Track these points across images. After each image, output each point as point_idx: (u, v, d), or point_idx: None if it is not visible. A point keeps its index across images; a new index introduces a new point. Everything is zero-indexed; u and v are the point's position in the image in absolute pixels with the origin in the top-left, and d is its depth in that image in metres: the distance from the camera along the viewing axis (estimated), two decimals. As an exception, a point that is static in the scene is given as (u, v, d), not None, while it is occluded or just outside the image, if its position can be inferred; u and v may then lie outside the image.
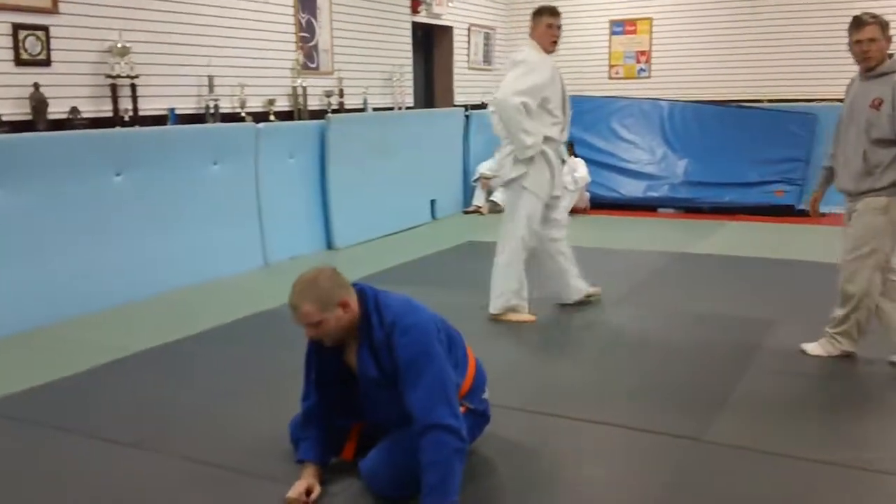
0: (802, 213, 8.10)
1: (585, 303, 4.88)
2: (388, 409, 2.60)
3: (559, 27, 4.63)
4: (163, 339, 4.33)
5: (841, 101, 4.03)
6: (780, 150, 8.76)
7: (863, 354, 3.92)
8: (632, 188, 9.11)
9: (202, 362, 4.02)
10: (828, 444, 2.96)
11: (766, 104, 9.38)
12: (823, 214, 4.06)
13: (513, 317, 4.61)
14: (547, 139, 4.56)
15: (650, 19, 10.38)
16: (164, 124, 5.98)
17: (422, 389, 2.43)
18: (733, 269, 5.97)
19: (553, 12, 4.63)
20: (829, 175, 4.01)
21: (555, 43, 4.64)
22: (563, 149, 4.81)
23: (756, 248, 6.55)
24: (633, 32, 10.55)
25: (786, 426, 3.14)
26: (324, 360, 2.68)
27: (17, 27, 5.05)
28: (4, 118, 5.00)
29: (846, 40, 3.78)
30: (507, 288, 4.61)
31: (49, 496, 2.68)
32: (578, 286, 4.88)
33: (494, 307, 4.64)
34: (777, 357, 3.97)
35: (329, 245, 6.77)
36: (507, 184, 4.68)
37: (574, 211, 8.63)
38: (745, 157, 8.86)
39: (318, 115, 7.33)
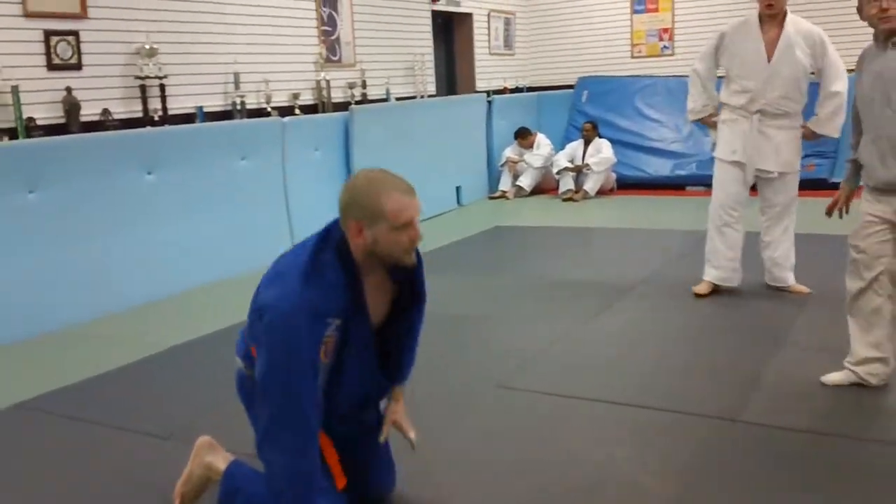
0: (836, 186, 8.03)
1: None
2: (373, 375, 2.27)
3: None
4: (195, 333, 4.42)
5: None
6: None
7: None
8: (659, 167, 9.08)
9: (233, 356, 4.11)
10: (865, 421, 2.98)
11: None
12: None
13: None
14: None
15: (672, -4, 10.31)
16: (193, 122, 6.09)
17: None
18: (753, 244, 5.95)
19: None
20: (857, 168, 3.33)
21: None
22: None
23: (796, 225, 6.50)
24: (655, 10, 10.49)
25: (819, 404, 3.16)
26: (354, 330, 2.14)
27: (48, 33, 5.18)
28: (39, 122, 5.14)
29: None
30: None
31: (88, 487, 2.75)
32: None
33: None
34: (809, 335, 3.98)
35: (358, 235, 6.85)
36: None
37: (601, 192, 8.67)
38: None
39: (342, 107, 7.41)
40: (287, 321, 1.96)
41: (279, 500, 2.04)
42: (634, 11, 10.61)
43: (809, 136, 4.49)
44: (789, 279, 4.61)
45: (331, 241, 2.10)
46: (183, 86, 6.09)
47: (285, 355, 1.97)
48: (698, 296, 4.62)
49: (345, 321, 2.07)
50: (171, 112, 5.93)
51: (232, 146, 5.87)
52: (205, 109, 6.23)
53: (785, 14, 4.28)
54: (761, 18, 4.31)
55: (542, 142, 9.08)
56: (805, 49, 4.27)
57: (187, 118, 6.11)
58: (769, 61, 4.29)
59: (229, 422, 3.32)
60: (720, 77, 4.67)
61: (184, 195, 5.46)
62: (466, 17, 10.21)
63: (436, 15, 9.57)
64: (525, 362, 3.71)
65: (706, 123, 4.73)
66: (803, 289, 4.56)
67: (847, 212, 3.41)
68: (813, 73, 4.37)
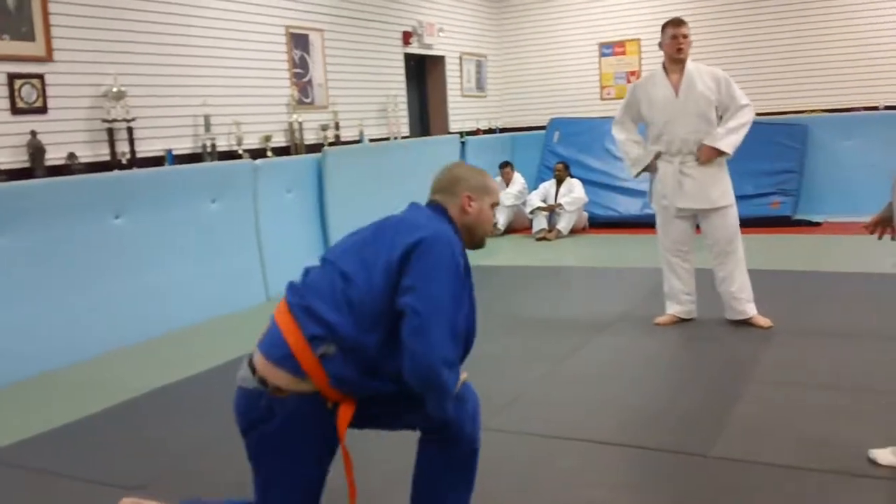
0: (799, 224, 8.16)
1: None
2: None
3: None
4: (168, 378, 4.34)
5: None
6: (773, 162, 8.80)
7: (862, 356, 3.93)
8: (628, 206, 9.14)
9: (209, 402, 4.03)
10: (836, 454, 2.97)
11: (756, 117, 9.45)
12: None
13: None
14: None
15: (638, 40, 10.49)
16: (162, 165, 6.03)
17: None
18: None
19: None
20: None
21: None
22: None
23: (758, 261, 6.56)
24: (623, 53, 10.65)
25: (788, 438, 3.15)
26: None
27: (12, 77, 5.12)
28: (2, 166, 5.06)
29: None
30: None
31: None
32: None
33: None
34: (777, 369, 3.99)
35: (330, 277, 6.79)
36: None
37: (573, 231, 8.71)
38: (740, 170, 8.83)
39: (315, 148, 7.40)
40: (450, 243, 2.14)
41: (443, 389, 2.06)
42: (602, 54, 10.77)
43: (706, 154, 4.59)
44: (749, 311, 4.66)
45: (437, 211, 2.31)
46: (152, 128, 6.05)
47: (453, 270, 2.10)
48: (660, 325, 4.82)
49: (467, 267, 2.22)
50: (139, 155, 5.87)
51: (202, 189, 5.83)
52: (174, 152, 6.18)
53: (686, 59, 4.66)
54: (666, 68, 4.71)
55: (517, 179, 9.15)
56: (709, 84, 4.59)
57: (156, 161, 6.05)
58: (676, 96, 4.62)
59: (204, 468, 3.24)
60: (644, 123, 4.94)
61: (153, 239, 5.39)
62: (439, 60, 10.30)
63: (408, 57, 9.64)
64: (503, 403, 3.67)
65: (651, 170, 4.89)
66: (765, 321, 4.63)
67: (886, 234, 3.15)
68: (717, 108, 4.63)
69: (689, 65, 4.66)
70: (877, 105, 9.32)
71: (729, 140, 4.59)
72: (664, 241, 4.84)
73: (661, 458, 3.05)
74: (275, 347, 2.09)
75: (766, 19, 9.73)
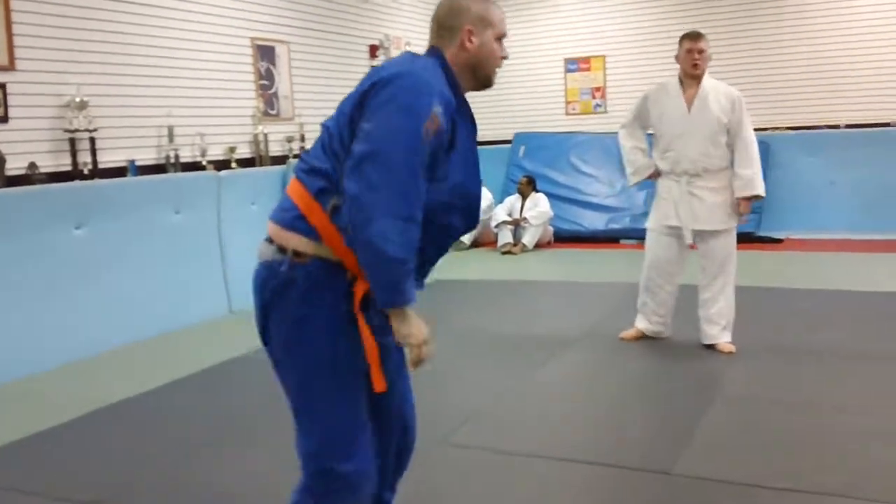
0: (762, 240, 8.27)
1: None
2: None
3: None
4: (129, 391, 4.27)
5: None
6: (736, 178, 8.93)
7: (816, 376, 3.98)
8: (594, 221, 9.22)
9: (169, 414, 3.97)
10: (797, 472, 3.00)
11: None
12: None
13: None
14: None
15: (603, 57, 10.60)
16: (125, 176, 5.95)
17: None
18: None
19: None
20: None
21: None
22: None
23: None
24: (588, 70, 10.75)
25: (749, 456, 3.17)
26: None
27: (-28, 85, 5.03)
28: (-39, 176, 4.95)
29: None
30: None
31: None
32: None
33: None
34: (740, 386, 4.03)
35: (295, 290, 6.73)
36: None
37: (538, 245, 8.75)
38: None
39: (280, 160, 7.36)
40: (416, 83, 1.90)
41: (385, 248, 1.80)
42: (568, 70, 10.86)
43: (745, 208, 4.50)
44: (719, 337, 4.56)
45: (429, 54, 2.09)
46: (115, 139, 5.96)
47: (411, 119, 1.85)
48: (625, 339, 4.78)
49: (451, 116, 2.00)
50: (101, 166, 5.78)
51: (165, 200, 5.75)
52: (137, 163, 6.10)
53: (703, 75, 4.49)
54: (681, 80, 4.53)
55: (483, 194, 9.14)
56: (723, 104, 4.42)
57: (119, 172, 5.96)
58: (689, 112, 4.46)
59: (163, 483, 3.19)
60: (650, 134, 4.79)
61: (114, 250, 5.31)
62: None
63: (374, 71, 9.62)
64: (467, 418, 3.66)
65: (652, 178, 4.79)
66: (729, 348, 4.53)
67: None
68: (728, 132, 4.45)
69: (706, 81, 4.49)
70: (838, 124, 9.52)
71: (758, 182, 4.45)
72: (654, 259, 4.68)
73: (623, 475, 3.05)
74: (285, 212, 2.03)
75: (728, 37, 9.90)
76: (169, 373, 4.53)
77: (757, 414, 3.62)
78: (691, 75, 4.47)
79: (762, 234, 8.44)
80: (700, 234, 4.55)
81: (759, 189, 4.46)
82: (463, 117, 2.08)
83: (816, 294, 5.88)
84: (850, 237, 8.12)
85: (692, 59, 4.43)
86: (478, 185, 2.13)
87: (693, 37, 4.48)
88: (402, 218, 1.82)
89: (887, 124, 9.23)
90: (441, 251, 2.09)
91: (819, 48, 9.61)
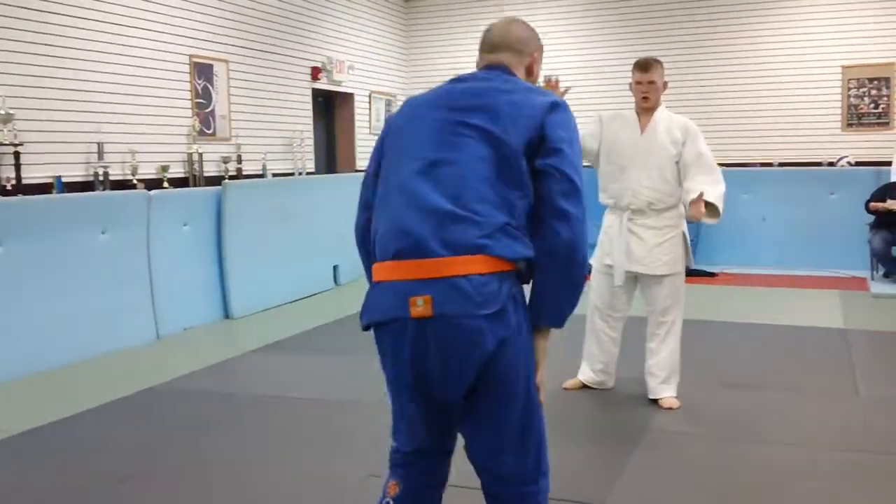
0: (697, 273, 8.37)
1: None
2: None
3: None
4: (42, 420, 4.03)
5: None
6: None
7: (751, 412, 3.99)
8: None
9: (83, 445, 3.76)
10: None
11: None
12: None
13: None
14: None
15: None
16: (50, 193, 5.72)
17: None
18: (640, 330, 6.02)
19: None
20: None
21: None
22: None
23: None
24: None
25: (683, 488, 3.14)
26: None
27: None
28: None
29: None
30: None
31: None
32: None
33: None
34: (672, 419, 4.00)
35: (226, 314, 6.54)
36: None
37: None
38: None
39: (215, 181, 7.18)
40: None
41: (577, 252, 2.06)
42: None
43: (696, 210, 4.00)
44: (660, 392, 4.18)
45: (506, 72, 2.13)
46: (40, 154, 5.74)
47: (577, 135, 2.05)
48: (567, 389, 4.45)
49: None
50: (25, 182, 5.55)
51: (92, 219, 5.53)
52: (64, 179, 5.88)
53: (656, 107, 4.16)
54: (637, 113, 4.20)
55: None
56: (675, 135, 4.08)
57: (44, 188, 5.73)
58: (640, 140, 4.11)
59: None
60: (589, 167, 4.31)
61: (36, 271, 5.07)
62: (348, 97, 10.23)
63: (317, 93, 9.53)
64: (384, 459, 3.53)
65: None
66: (671, 403, 4.15)
67: None
68: (678, 164, 4.10)
69: (659, 112, 4.15)
70: (772, 161, 9.75)
71: (721, 197, 4.07)
72: (595, 300, 4.33)
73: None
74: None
75: (672, 79, 10.08)
76: (86, 401, 4.31)
77: (690, 446, 3.59)
78: (644, 108, 4.15)
79: (696, 267, 8.54)
80: (641, 279, 4.21)
81: (720, 203, 4.08)
82: None
83: (749, 328, 5.94)
84: (779, 272, 8.29)
85: (641, 91, 4.11)
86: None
87: (641, 66, 4.13)
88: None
89: (818, 164, 9.52)
90: None
91: (753, 89, 9.94)
